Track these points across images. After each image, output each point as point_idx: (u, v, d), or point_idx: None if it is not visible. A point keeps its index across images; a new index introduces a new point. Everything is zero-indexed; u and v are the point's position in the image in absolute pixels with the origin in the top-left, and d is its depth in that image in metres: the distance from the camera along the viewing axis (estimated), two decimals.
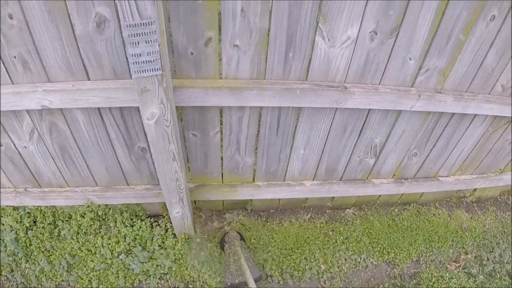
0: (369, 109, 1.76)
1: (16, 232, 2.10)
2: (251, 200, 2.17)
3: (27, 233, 2.11)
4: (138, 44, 1.16)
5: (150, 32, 1.14)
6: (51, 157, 1.84)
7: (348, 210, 2.27)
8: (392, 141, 1.93)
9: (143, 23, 1.12)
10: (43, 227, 2.12)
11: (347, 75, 1.59)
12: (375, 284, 2.02)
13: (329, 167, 2.00)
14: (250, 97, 1.53)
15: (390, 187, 2.11)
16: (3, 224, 2.14)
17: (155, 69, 1.22)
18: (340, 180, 2.08)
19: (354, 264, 2.06)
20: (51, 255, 2.08)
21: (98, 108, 1.60)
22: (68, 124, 1.66)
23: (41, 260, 2.07)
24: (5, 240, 2.09)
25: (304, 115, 1.71)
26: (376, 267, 2.08)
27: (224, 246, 2.08)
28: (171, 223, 2.07)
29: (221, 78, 1.52)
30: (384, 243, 2.12)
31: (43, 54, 1.38)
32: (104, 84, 1.47)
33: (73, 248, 2.06)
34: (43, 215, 2.12)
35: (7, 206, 2.15)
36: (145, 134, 1.72)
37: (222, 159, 1.87)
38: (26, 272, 2.08)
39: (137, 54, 1.18)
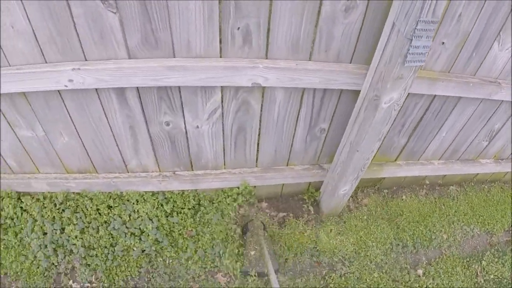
0: (502, 100, 2.17)
1: (158, 219, 2.09)
2: (384, 178, 2.46)
3: (167, 219, 2.12)
4: (421, 38, 1.35)
5: (431, 29, 1.35)
6: (222, 137, 1.90)
7: (451, 186, 2.70)
8: (506, 126, 2.38)
9: (432, 21, 1.33)
10: (184, 212, 2.14)
11: (500, 73, 1.97)
12: (481, 250, 2.48)
13: (455, 148, 2.38)
14: (439, 87, 1.80)
15: (491, 166, 2.59)
16: (135, 212, 2.11)
17: (421, 60, 1.43)
18: (458, 159, 2.50)
19: (465, 234, 2.50)
20: (197, 240, 2.12)
21: (304, 89, 1.73)
22: (263, 103, 1.75)
23: (187, 246, 2.10)
24: (145, 229, 2.07)
25: (460, 103, 2.04)
26: (479, 236, 2.55)
27: (246, 234, 2.17)
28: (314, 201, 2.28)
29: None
30: (484, 215, 2.60)
31: (274, 29, 1.44)
32: (329, 66, 1.62)
33: (221, 231, 2.13)
34: (184, 200, 2.14)
35: (145, 191, 2.12)
36: (332, 115, 1.89)
37: (383, 140, 2.13)
38: (169, 262, 2.09)
39: (417, 46, 1.37)
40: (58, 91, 1.64)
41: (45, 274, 2.04)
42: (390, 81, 1.49)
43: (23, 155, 2.03)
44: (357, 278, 2.14)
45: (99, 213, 2.11)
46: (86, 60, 1.50)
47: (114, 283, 2.04)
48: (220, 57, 1.53)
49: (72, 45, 1.43)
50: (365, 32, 1.54)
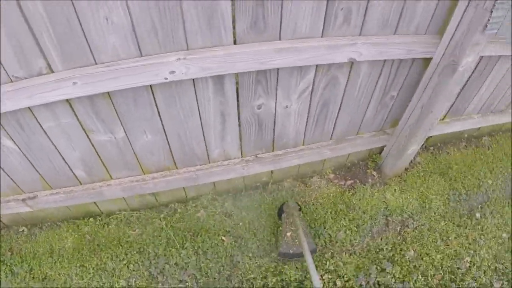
0: None
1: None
2: (431, 136, 3.03)
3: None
4: (498, 10, 1.84)
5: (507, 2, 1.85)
6: (307, 114, 2.30)
7: (484, 137, 3.37)
8: None
9: None
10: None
11: None
12: None
13: (491, 102, 3.00)
14: (487, 49, 2.36)
15: None
16: None
17: (496, 28, 1.92)
18: (491, 112, 3.14)
19: (504, 178, 3.16)
20: None
21: (384, 61, 2.17)
22: (349, 77, 2.17)
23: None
24: None
25: (499, 62, 2.62)
26: None
27: (282, 215, 2.55)
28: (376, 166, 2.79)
29: None
30: None
31: (371, 8, 1.81)
32: (410, 38, 2.07)
33: None
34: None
35: (228, 179, 2.47)
36: (402, 83, 2.36)
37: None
38: None
39: (495, 16, 1.87)
40: (150, 86, 1.85)
41: None
42: (468, 47, 1.99)
43: (95, 162, 2.25)
44: (428, 228, 2.71)
45: None
46: (188, 49, 1.71)
47: None
48: (322, 36, 1.88)
49: (175, 34, 1.63)
50: (439, 7, 1.99)
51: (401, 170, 2.85)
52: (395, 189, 2.82)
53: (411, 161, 3.00)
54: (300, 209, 2.62)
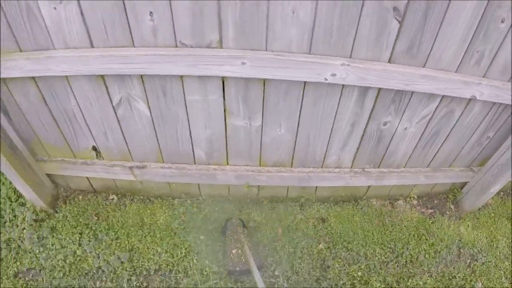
0: None
1: None
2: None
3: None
4: None
5: None
6: (419, 139, 2.62)
7: None
8: None
9: None
10: None
11: None
12: None
13: None
14: None
15: None
16: None
17: None
18: None
19: None
20: None
21: (494, 103, 2.54)
22: (463, 112, 2.53)
23: None
24: None
25: None
26: None
27: (226, 233, 2.60)
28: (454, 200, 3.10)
29: None
30: None
31: (499, 54, 2.15)
32: None
33: None
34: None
35: (333, 186, 2.73)
36: (500, 126, 2.73)
37: None
38: None
39: None
40: (305, 82, 2.07)
41: None
42: None
43: (220, 145, 2.46)
44: (494, 265, 2.98)
45: None
46: (350, 57, 1.96)
47: None
48: (455, 71, 2.23)
49: (345, 41, 1.87)
50: None
51: (477, 207, 3.16)
52: (468, 225, 3.12)
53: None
54: (244, 226, 2.70)
